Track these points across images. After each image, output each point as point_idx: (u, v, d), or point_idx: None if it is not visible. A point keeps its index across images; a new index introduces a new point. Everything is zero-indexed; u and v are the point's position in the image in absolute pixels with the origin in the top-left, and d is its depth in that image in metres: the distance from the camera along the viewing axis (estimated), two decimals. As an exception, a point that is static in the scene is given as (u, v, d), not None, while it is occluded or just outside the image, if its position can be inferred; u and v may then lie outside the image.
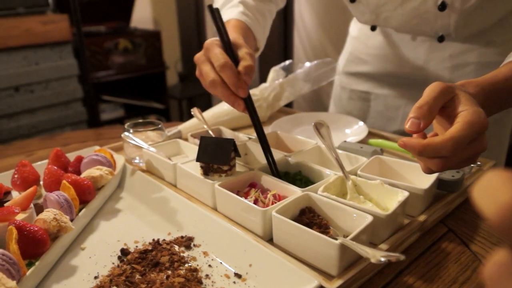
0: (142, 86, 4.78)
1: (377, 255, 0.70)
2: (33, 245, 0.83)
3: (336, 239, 0.77)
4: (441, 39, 1.37)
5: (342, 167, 1.00)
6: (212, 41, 0.98)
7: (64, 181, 1.01)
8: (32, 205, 0.99)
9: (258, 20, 1.25)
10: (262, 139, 1.08)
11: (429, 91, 0.80)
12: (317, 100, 3.75)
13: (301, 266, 0.80)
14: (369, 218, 0.83)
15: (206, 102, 4.90)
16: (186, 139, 1.39)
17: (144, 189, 1.16)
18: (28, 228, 0.83)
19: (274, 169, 1.08)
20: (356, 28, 1.69)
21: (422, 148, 0.75)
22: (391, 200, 0.93)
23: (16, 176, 1.12)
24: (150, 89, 4.76)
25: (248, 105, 1.02)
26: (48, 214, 0.89)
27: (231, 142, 1.02)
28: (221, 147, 1.02)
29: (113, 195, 1.19)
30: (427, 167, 0.82)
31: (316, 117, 1.62)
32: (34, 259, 0.83)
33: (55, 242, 0.89)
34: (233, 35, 1.02)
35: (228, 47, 0.97)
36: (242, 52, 0.98)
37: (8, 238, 0.81)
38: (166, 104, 4.65)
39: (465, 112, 0.75)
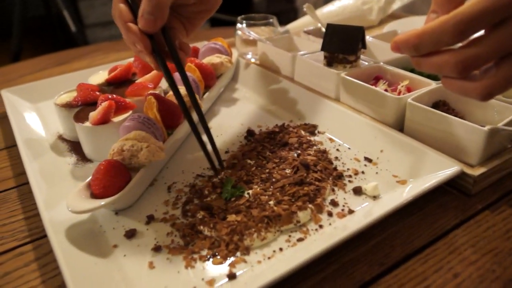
0: (228, 1, 4.72)
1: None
2: (169, 116, 0.86)
3: (483, 126, 0.74)
4: None
5: (476, 64, 0.94)
6: None
7: (189, 64, 1.02)
8: (160, 84, 1.02)
9: None
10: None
11: None
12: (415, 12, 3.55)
13: (439, 153, 0.78)
14: (516, 110, 0.79)
15: (292, 19, 4.79)
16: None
17: (259, 81, 1.16)
18: (164, 101, 0.86)
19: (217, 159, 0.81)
20: None
21: (417, 39, 0.51)
22: (534, 99, 0.87)
23: (136, 62, 1.15)
24: (236, 5, 4.69)
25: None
26: (181, 90, 0.91)
27: (361, 30, 0.98)
28: (349, 35, 0.99)
29: (228, 86, 1.20)
30: (445, 80, 0.55)
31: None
32: (169, 130, 0.87)
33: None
34: None
35: None
36: None
37: (148, 107, 0.84)
38: (252, 20, 4.59)
39: None
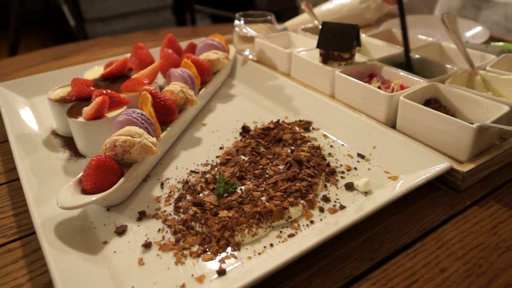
0: (230, -3, 4.71)
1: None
2: (164, 112, 0.86)
3: (472, 123, 0.74)
4: None
5: (470, 61, 0.94)
6: None
7: (185, 60, 1.03)
8: (156, 80, 1.02)
9: None
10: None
11: None
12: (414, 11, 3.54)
13: (429, 149, 0.79)
14: (505, 108, 0.79)
15: (293, 16, 4.78)
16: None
17: (256, 78, 1.16)
18: (159, 96, 0.86)
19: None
20: None
21: None
22: (526, 97, 0.87)
23: (133, 58, 1.15)
24: (237, 2, 4.69)
25: None
26: (175, 86, 0.92)
27: (356, 29, 0.98)
28: (344, 33, 0.99)
29: (225, 83, 1.20)
30: None
31: (428, 20, 1.54)
32: (164, 126, 0.87)
33: (181, 114, 0.91)
34: None
35: None
36: None
37: (142, 103, 0.84)
38: (252, 16, 4.58)
39: None
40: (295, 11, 4.76)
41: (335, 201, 0.72)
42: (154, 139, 0.75)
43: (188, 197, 0.73)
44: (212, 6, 4.55)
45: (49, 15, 3.86)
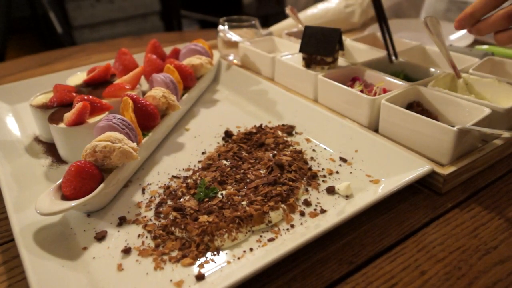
0: (218, 3, 4.72)
1: None
2: (145, 117, 0.86)
3: (453, 126, 0.74)
4: None
5: (453, 64, 0.95)
6: None
7: (168, 65, 1.03)
8: (139, 85, 1.02)
9: None
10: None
11: None
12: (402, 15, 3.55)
13: (410, 152, 0.79)
14: (486, 111, 0.80)
15: (281, 20, 4.78)
16: (279, 39, 1.37)
17: (240, 82, 1.16)
18: (141, 102, 0.86)
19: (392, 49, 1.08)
20: None
21: (471, 9, 0.78)
22: (508, 100, 0.88)
23: (117, 63, 1.15)
24: (226, 6, 4.70)
25: None
26: (157, 91, 0.91)
27: (338, 32, 0.99)
28: (326, 37, 0.99)
29: (209, 88, 1.20)
30: (497, 36, 0.79)
31: (413, 23, 1.54)
32: (146, 132, 0.86)
33: (163, 119, 0.91)
34: None
35: None
36: None
37: (123, 108, 0.84)
38: (241, 22, 4.59)
39: None
40: (283, 16, 4.77)
41: (316, 205, 0.71)
42: (134, 145, 0.74)
43: (169, 202, 0.73)
44: (202, 11, 4.56)
45: (36, 22, 3.84)
